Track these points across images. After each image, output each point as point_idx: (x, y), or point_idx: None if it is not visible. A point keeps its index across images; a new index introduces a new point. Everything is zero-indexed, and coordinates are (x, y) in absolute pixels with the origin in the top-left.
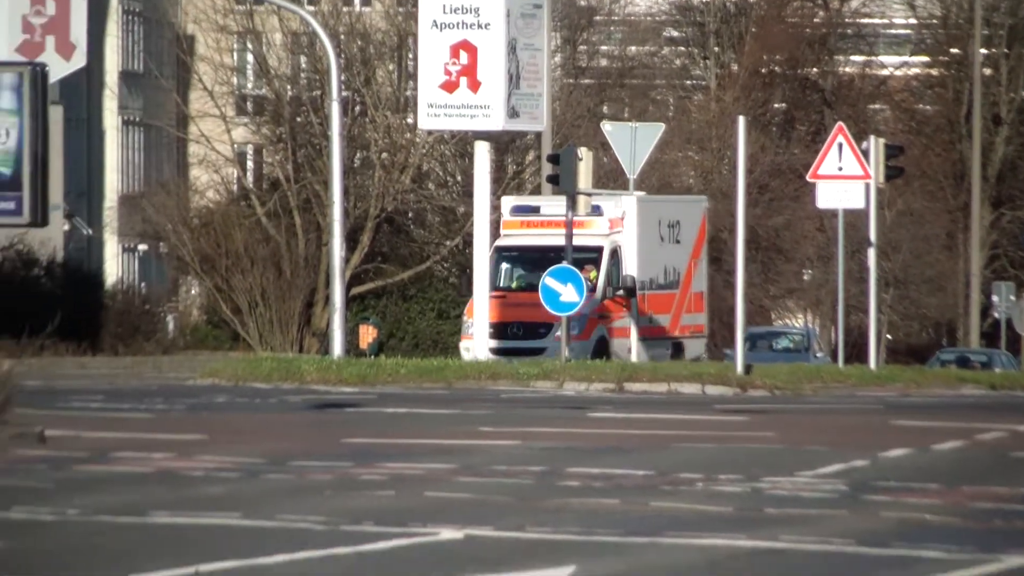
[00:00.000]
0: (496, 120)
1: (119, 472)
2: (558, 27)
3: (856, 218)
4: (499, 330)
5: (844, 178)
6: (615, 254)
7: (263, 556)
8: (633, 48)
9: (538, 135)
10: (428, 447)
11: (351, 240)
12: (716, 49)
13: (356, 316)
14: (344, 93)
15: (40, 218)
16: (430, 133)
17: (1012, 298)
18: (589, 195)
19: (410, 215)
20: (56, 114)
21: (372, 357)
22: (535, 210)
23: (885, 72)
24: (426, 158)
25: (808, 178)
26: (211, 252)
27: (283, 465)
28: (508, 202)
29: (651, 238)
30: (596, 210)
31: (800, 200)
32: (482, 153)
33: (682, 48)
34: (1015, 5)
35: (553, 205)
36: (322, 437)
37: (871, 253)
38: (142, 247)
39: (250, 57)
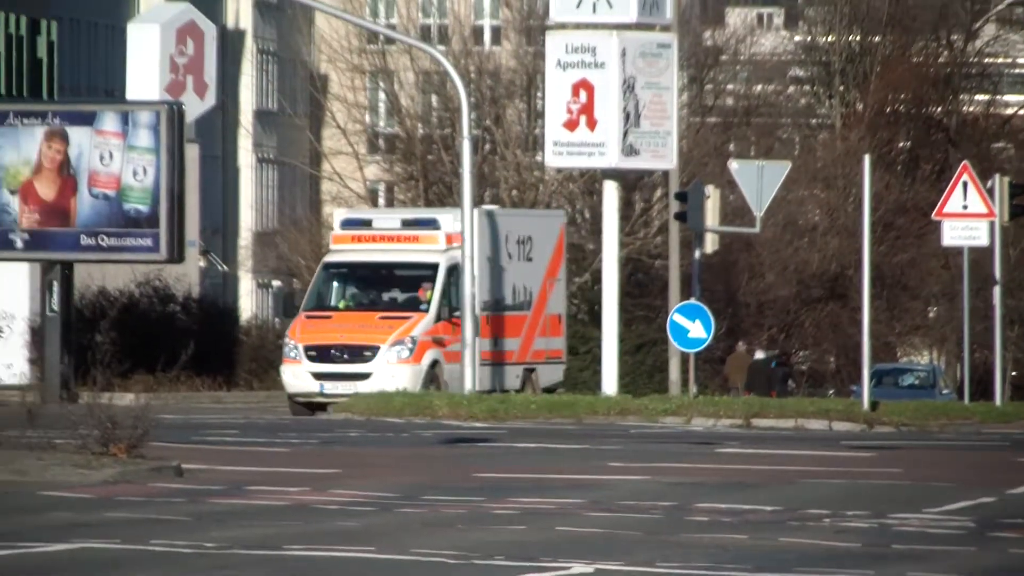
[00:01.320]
0: (610, 158)
1: (255, 505)
2: (684, 66)
3: (981, 255)
4: (321, 353)
5: (969, 216)
6: (452, 271)
7: None
8: (759, 87)
9: (666, 173)
10: (558, 482)
11: None
12: (841, 88)
13: None
14: (474, 131)
15: (176, 255)
16: (559, 171)
17: None
18: (491, 213)
19: None
20: (192, 152)
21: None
22: (366, 223)
23: (1009, 111)
24: (555, 195)
25: (933, 216)
26: None
27: (416, 499)
28: (339, 215)
29: (496, 255)
30: (431, 224)
31: (925, 238)
32: (610, 191)
33: (807, 87)
34: None
35: (385, 218)
36: (454, 471)
37: (996, 291)
38: (276, 283)
39: (382, 95)
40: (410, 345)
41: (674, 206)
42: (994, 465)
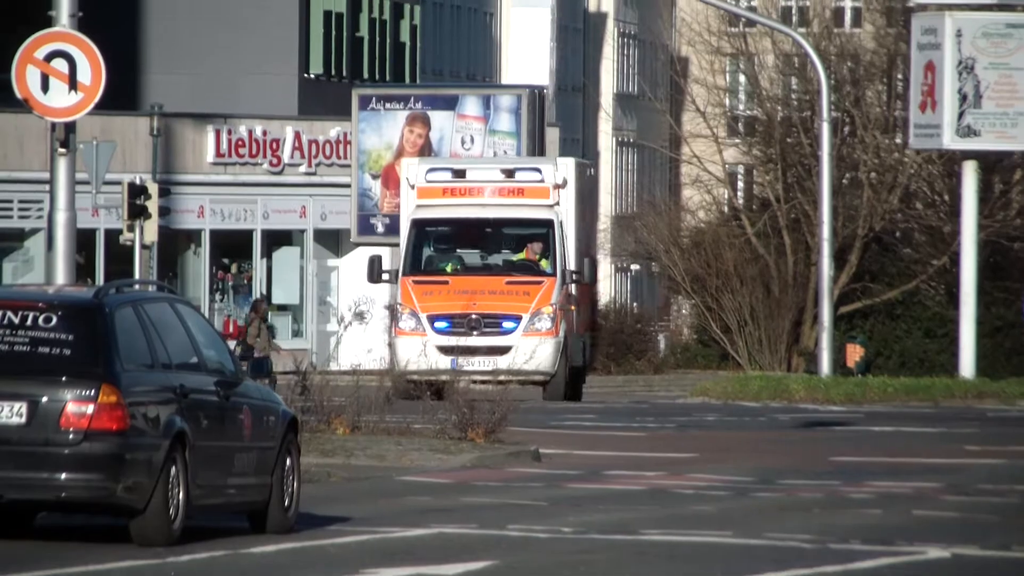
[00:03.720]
0: (943, 139)
1: (611, 490)
2: None
3: None
4: (453, 323)
5: None
6: (561, 229)
7: (752, 574)
8: None
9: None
10: (915, 466)
11: (839, 259)
12: None
13: (843, 335)
14: (834, 114)
15: None
16: (918, 152)
17: None
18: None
19: (897, 234)
20: (553, 135)
21: (859, 376)
22: (460, 174)
23: None
24: (914, 178)
25: None
26: (701, 271)
27: (772, 483)
28: (419, 164)
29: (586, 214)
30: (535, 175)
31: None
32: (969, 173)
33: None
34: None
35: (480, 168)
36: (810, 455)
37: None
38: (634, 267)
39: (742, 78)
40: (551, 315)
41: None
42: None
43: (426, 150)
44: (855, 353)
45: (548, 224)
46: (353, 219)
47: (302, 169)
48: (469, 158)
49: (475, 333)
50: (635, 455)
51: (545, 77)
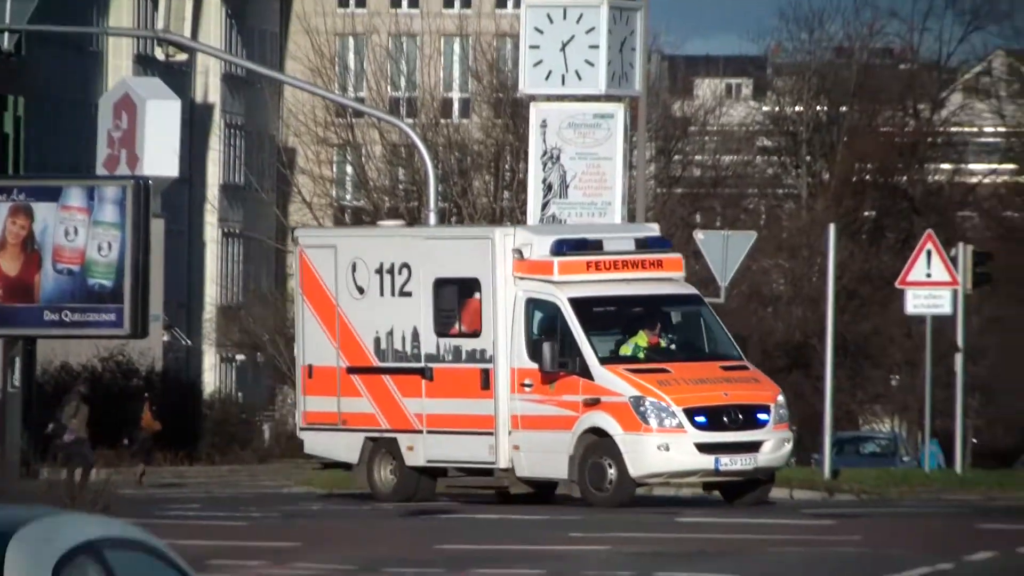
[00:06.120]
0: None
1: None
2: (653, 138)
3: (944, 324)
4: (712, 418)
5: (933, 284)
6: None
7: None
8: (726, 158)
9: None
10: (517, 553)
11: None
12: (808, 158)
13: None
14: (441, 204)
15: (140, 330)
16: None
17: None
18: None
19: None
20: (158, 227)
21: None
22: (596, 246)
23: (974, 180)
24: None
25: (897, 285)
26: None
27: (377, 572)
28: (541, 235)
29: None
30: (664, 245)
31: (888, 306)
32: None
33: (774, 157)
34: None
35: (612, 239)
36: (416, 543)
37: (958, 358)
38: (240, 357)
39: (349, 169)
40: (784, 403)
41: None
42: (953, 532)
43: (29, 242)
44: None
45: (698, 301)
46: None
47: None
48: (591, 225)
49: (733, 427)
50: (239, 544)
51: (174, 168)
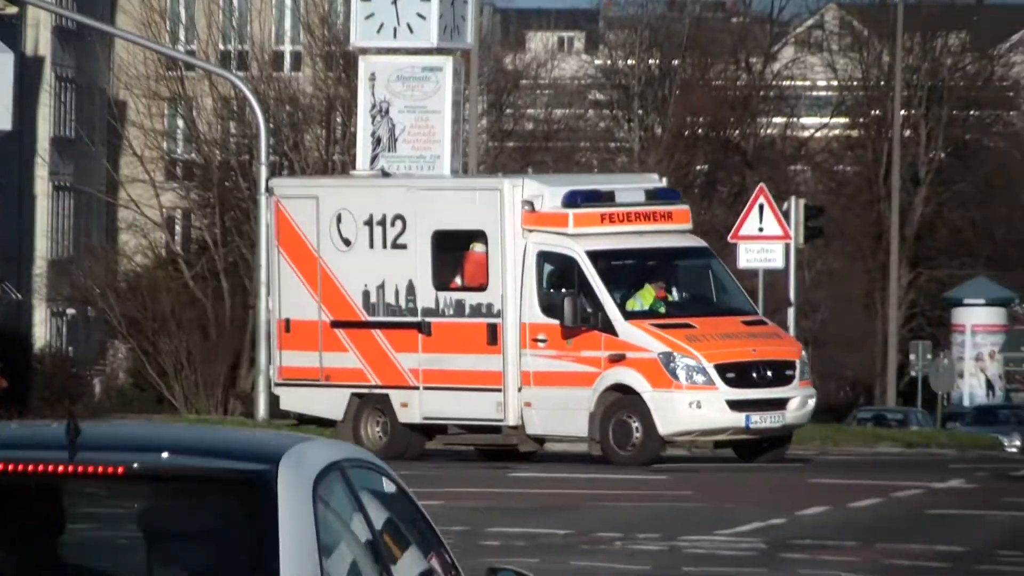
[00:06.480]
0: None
1: None
2: (484, 91)
3: (776, 278)
4: (741, 375)
5: (765, 239)
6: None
7: None
8: (558, 111)
9: None
10: None
11: None
12: (640, 112)
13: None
14: (272, 157)
15: None
16: None
17: (929, 357)
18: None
19: None
20: None
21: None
22: (608, 197)
23: (806, 134)
24: None
25: (729, 239)
26: (138, 316)
27: None
28: (551, 185)
29: None
30: (674, 197)
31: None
32: None
33: (607, 111)
34: (934, 68)
35: (623, 189)
36: None
37: (791, 312)
38: (70, 311)
39: (180, 122)
40: (807, 359)
41: None
42: (785, 486)
43: None
44: None
45: (709, 253)
46: None
47: None
48: (596, 177)
49: (762, 384)
50: None
51: (6, 121)
